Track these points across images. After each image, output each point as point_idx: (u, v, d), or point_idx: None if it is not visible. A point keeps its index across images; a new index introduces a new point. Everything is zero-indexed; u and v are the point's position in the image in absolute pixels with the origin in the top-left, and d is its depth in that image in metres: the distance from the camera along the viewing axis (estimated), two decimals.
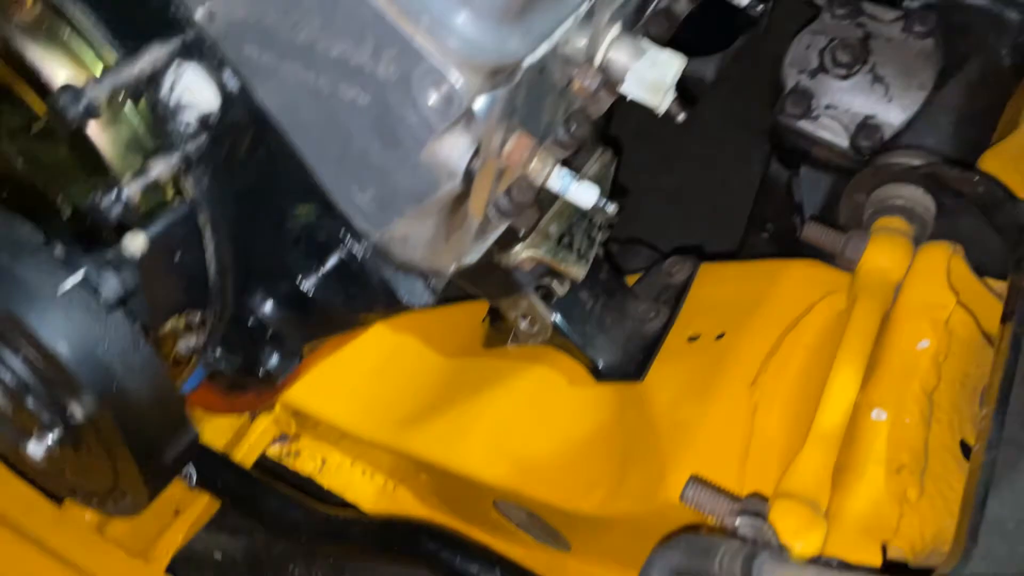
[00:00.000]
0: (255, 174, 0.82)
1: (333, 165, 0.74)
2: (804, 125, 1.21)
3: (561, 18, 0.70)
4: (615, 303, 1.21)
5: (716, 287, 1.18)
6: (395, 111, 0.66)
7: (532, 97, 0.74)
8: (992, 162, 1.14)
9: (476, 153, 0.68)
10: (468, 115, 0.66)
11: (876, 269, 0.93)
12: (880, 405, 0.83)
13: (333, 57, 0.66)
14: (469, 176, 0.70)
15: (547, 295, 1.14)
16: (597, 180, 1.18)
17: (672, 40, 1.25)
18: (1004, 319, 0.84)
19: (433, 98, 0.64)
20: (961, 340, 0.88)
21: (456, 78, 0.63)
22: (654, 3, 1.00)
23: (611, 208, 0.99)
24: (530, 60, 0.68)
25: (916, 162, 1.02)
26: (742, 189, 2.16)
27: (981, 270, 0.98)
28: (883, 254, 0.93)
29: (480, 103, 0.65)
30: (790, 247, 1.28)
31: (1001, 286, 0.94)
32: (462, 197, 0.73)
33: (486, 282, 1.11)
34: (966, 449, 0.85)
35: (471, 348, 1.33)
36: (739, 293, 1.14)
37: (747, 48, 2.41)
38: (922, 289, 0.90)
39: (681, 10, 1.13)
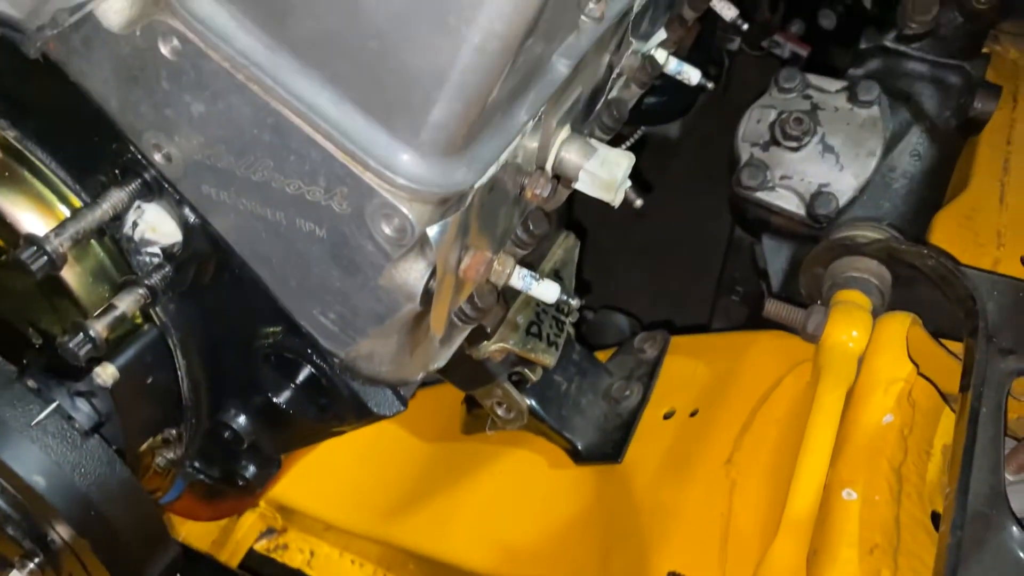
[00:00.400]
0: (221, 297, 0.83)
1: (295, 291, 0.76)
2: (761, 196, 1.24)
3: (506, 141, 0.72)
4: (589, 383, 1.22)
5: (687, 361, 1.20)
6: (351, 242, 0.68)
7: (486, 211, 0.77)
8: (945, 223, 1.17)
9: (432, 274, 0.70)
10: (422, 241, 0.68)
11: (837, 344, 0.95)
12: (850, 484, 0.84)
13: (289, 194, 0.68)
14: (428, 296, 0.71)
15: (520, 381, 1.15)
16: (562, 265, 1.21)
17: (634, 109, 1.29)
18: (962, 388, 0.86)
19: (387, 230, 0.66)
20: (924, 411, 0.90)
21: (407, 211, 0.65)
22: (603, 97, 1.04)
23: (575, 302, 1.01)
24: (480, 183, 0.71)
25: (871, 234, 1.05)
26: (713, 243, 2.20)
27: (941, 332, 1.00)
28: (843, 329, 0.95)
29: (433, 230, 0.67)
30: (761, 309, 1.31)
31: (960, 348, 0.96)
32: (423, 315, 0.74)
33: (458, 374, 1.12)
34: (938, 518, 0.86)
35: (452, 432, 1.34)
36: (710, 367, 1.16)
37: (710, 104, 2.47)
38: (883, 363, 0.92)
39: (630, 97, 1.16)
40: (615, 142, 2.06)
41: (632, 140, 2.09)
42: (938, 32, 1.29)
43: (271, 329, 0.83)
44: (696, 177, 2.55)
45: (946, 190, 1.25)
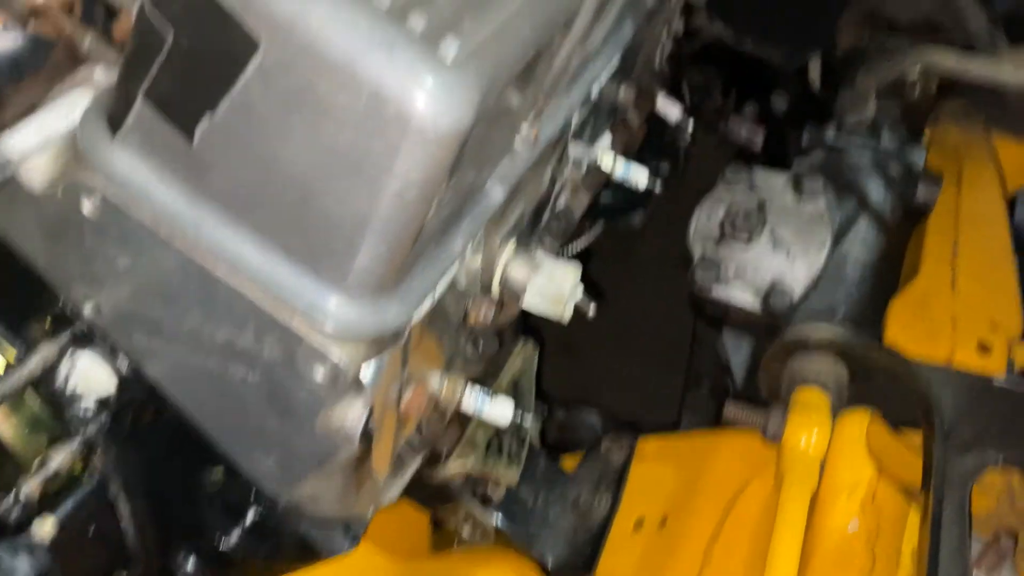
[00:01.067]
0: (161, 442, 0.81)
1: (232, 435, 0.74)
2: (717, 292, 1.24)
3: (441, 272, 0.72)
4: (557, 494, 1.19)
5: (655, 466, 1.17)
6: (285, 387, 0.67)
7: (427, 342, 0.76)
8: (900, 310, 1.17)
9: (371, 415, 0.69)
10: (357, 384, 0.66)
11: (797, 448, 0.93)
12: None
13: (218, 341, 0.67)
14: (367, 437, 0.70)
15: (485, 499, 1.12)
16: (521, 374, 1.19)
17: (594, 205, 1.30)
18: (923, 487, 0.85)
19: (319, 375, 0.65)
20: (889, 515, 0.88)
21: (338, 355, 0.64)
22: (548, 210, 1.05)
23: (528, 423, 0.99)
24: (416, 317, 0.70)
25: (824, 331, 1.04)
26: (681, 332, 2.20)
27: (904, 420, 0.99)
28: (802, 431, 0.94)
29: (367, 371, 0.66)
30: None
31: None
32: (365, 454, 0.72)
33: (420, 495, 1.09)
34: None
35: (422, 548, 1.29)
36: (677, 472, 1.14)
37: (670, 190, 2.51)
38: (844, 466, 0.91)
39: (580, 203, 1.17)
40: (574, 237, 2.07)
41: (591, 235, 2.11)
42: (877, 123, 1.33)
43: (214, 472, 0.81)
44: (661, 263, 2.57)
45: (899, 276, 1.26)
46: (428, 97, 0.52)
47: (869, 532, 0.86)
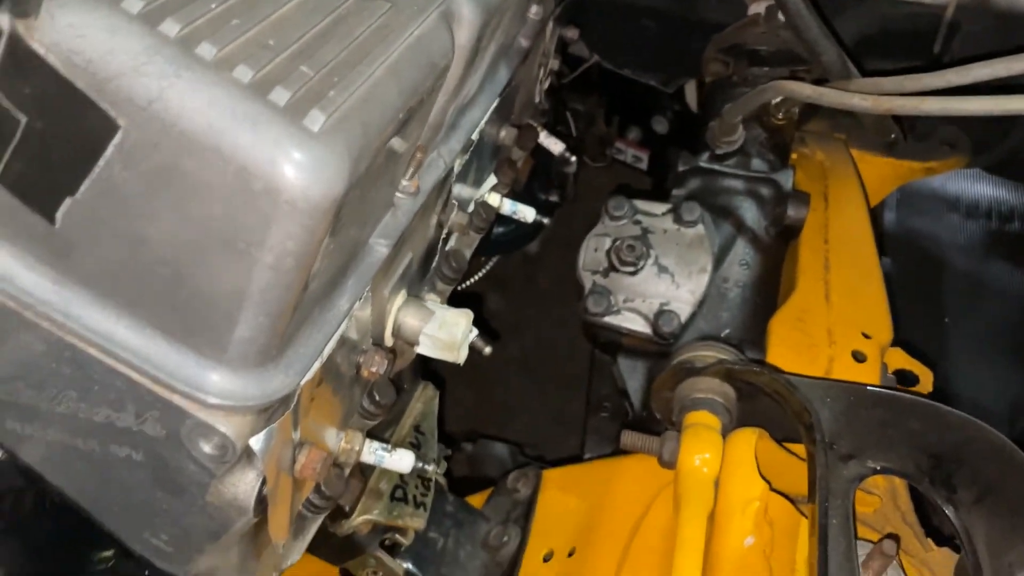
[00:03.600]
0: (46, 528, 0.78)
1: (119, 516, 0.71)
2: (609, 320, 1.28)
3: (328, 334, 0.71)
4: (466, 533, 1.19)
5: (560, 497, 1.19)
6: (171, 464, 0.65)
7: (319, 402, 0.75)
8: (780, 327, 1.23)
9: (264, 483, 0.68)
10: (248, 452, 0.65)
11: (692, 471, 0.97)
12: None
13: (97, 423, 0.65)
14: (262, 505, 0.69)
15: (394, 546, 1.12)
16: (423, 418, 1.19)
17: (484, 240, 1.31)
18: (809, 500, 0.89)
19: (206, 448, 0.63)
20: (782, 528, 0.92)
21: (224, 428, 0.63)
22: (437, 254, 1.05)
23: (431, 468, 0.99)
24: (304, 380, 0.69)
25: (709, 354, 1.09)
26: (583, 355, 2.24)
27: (790, 437, 1.04)
28: (695, 453, 0.97)
29: (257, 441, 0.65)
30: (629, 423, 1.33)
31: None
32: (262, 522, 0.71)
33: (326, 550, 1.08)
34: None
35: None
36: (582, 501, 1.16)
37: (565, 216, 2.56)
38: (736, 484, 0.94)
39: (470, 244, 1.19)
40: (470, 273, 2.08)
41: (486, 269, 2.13)
42: (745, 149, 1.39)
43: (103, 554, 0.78)
44: (562, 284, 2.63)
45: (777, 294, 1.32)
46: (296, 168, 0.53)
47: (764, 546, 0.90)
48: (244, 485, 0.67)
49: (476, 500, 1.30)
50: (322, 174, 0.54)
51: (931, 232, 2.30)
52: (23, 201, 0.57)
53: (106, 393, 0.63)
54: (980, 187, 2.29)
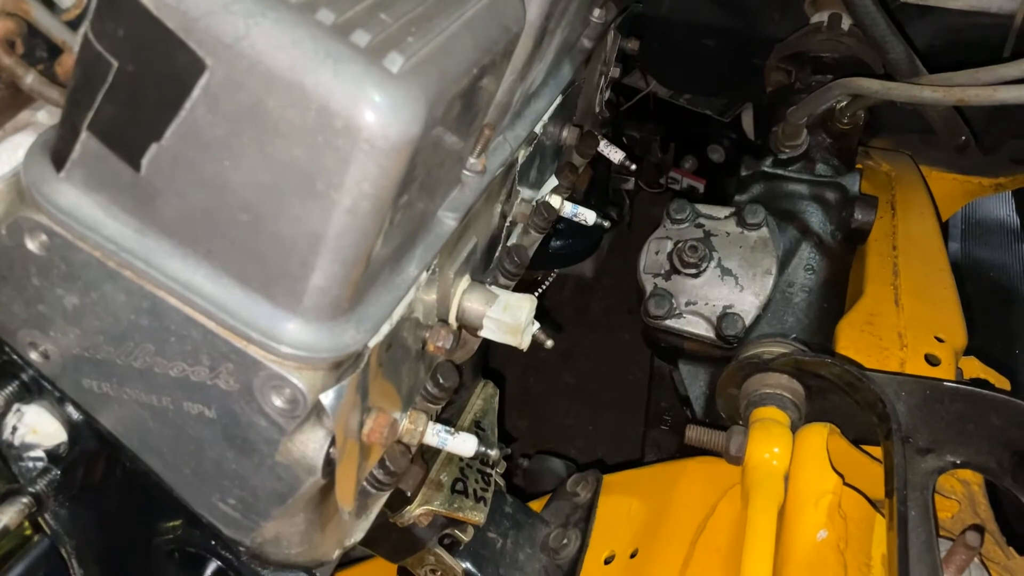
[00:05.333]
0: (115, 496, 0.79)
1: (190, 479, 0.72)
2: (671, 324, 1.26)
3: (398, 297, 0.72)
4: (525, 535, 1.17)
5: (622, 500, 1.17)
6: (243, 419, 0.66)
7: (386, 370, 0.75)
8: (849, 330, 1.20)
9: (332, 443, 0.68)
10: (317, 409, 0.65)
11: (761, 464, 0.94)
12: None
13: (173, 377, 0.66)
14: (330, 466, 0.68)
15: (453, 544, 1.10)
16: (483, 415, 1.18)
17: (544, 252, 1.30)
18: (887, 493, 0.86)
19: (278, 402, 0.64)
20: (856, 522, 0.89)
21: (297, 380, 0.63)
22: (500, 245, 1.06)
23: (494, 453, 0.98)
24: (374, 342, 0.69)
25: (777, 349, 1.06)
26: (639, 375, 2.21)
27: (861, 439, 1.01)
28: (764, 448, 0.95)
29: (327, 396, 0.65)
30: None
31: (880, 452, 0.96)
32: (328, 487, 0.71)
33: (384, 544, 1.07)
34: None
35: None
36: (644, 503, 1.13)
37: (618, 243, 2.56)
38: (808, 477, 0.91)
39: (531, 243, 1.19)
40: (532, 287, 2.10)
41: (546, 283, 2.13)
42: (810, 154, 1.38)
43: (170, 523, 0.78)
44: (615, 312, 2.61)
45: (844, 299, 1.29)
46: (376, 108, 0.53)
47: (839, 540, 0.86)
48: (313, 443, 0.67)
49: (535, 506, 1.28)
50: (400, 114, 0.54)
51: (999, 261, 2.23)
52: (111, 148, 0.59)
53: (182, 345, 0.64)
54: None
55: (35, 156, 0.63)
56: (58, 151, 0.62)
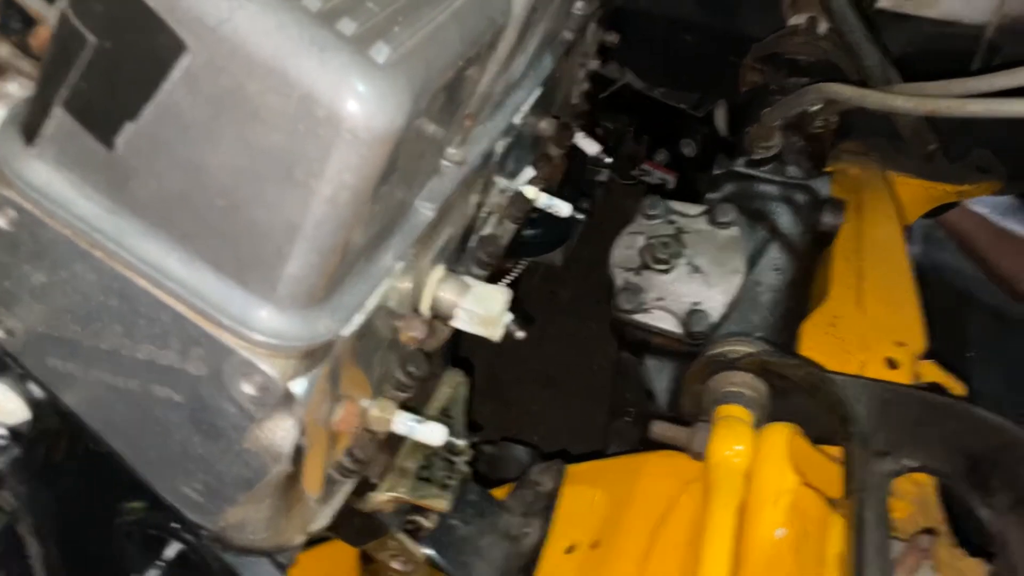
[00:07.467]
0: (77, 475, 0.78)
1: (154, 461, 0.71)
2: (639, 318, 1.27)
3: (372, 287, 0.71)
4: (488, 523, 1.18)
5: (584, 490, 1.18)
6: (211, 404, 0.65)
7: (358, 359, 0.75)
8: (812, 331, 1.22)
9: (302, 431, 0.67)
10: (287, 398, 0.65)
11: (723, 461, 0.95)
12: None
13: (140, 360, 0.65)
14: (298, 455, 0.68)
15: (416, 530, 1.10)
16: (451, 404, 1.19)
17: (516, 240, 1.31)
18: (846, 494, 0.88)
19: (247, 389, 0.63)
20: (814, 521, 0.91)
21: (268, 368, 0.62)
22: (474, 235, 1.06)
23: (461, 443, 0.98)
24: (347, 331, 0.69)
25: (742, 348, 1.07)
26: (605, 366, 2.23)
27: (822, 439, 1.03)
28: (726, 445, 0.96)
29: (298, 385, 0.65)
30: None
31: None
32: (295, 475, 0.71)
33: (347, 529, 1.07)
34: None
35: None
36: (606, 494, 1.14)
37: (589, 233, 2.57)
38: (769, 476, 0.93)
39: (505, 233, 1.19)
40: (500, 275, 2.10)
41: (515, 273, 2.13)
42: (783, 155, 1.39)
43: (133, 505, 0.78)
44: (584, 301, 2.63)
45: (808, 300, 1.31)
46: (360, 98, 0.53)
47: (795, 538, 0.88)
48: (281, 431, 0.66)
49: (498, 493, 1.28)
50: (384, 105, 0.54)
51: (956, 266, 2.28)
52: (85, 126, 0.58)
53: (152, 327, 0.63)
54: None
55: (6, 130, 0.61)
56: (30, 126, 0.60)
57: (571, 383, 2.36)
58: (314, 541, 1.34)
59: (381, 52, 0.54)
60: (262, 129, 0.54)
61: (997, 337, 2.14)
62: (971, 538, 1.04)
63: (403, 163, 0.65)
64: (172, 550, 0.79)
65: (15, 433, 0.73)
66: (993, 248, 1.97)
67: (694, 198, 1.46)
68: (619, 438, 1.55)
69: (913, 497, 1.05)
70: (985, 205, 1.94)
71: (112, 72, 0.56)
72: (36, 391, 0.71)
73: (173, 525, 0.77)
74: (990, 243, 1.96)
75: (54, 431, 0.73)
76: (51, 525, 0.80)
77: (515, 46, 0.84)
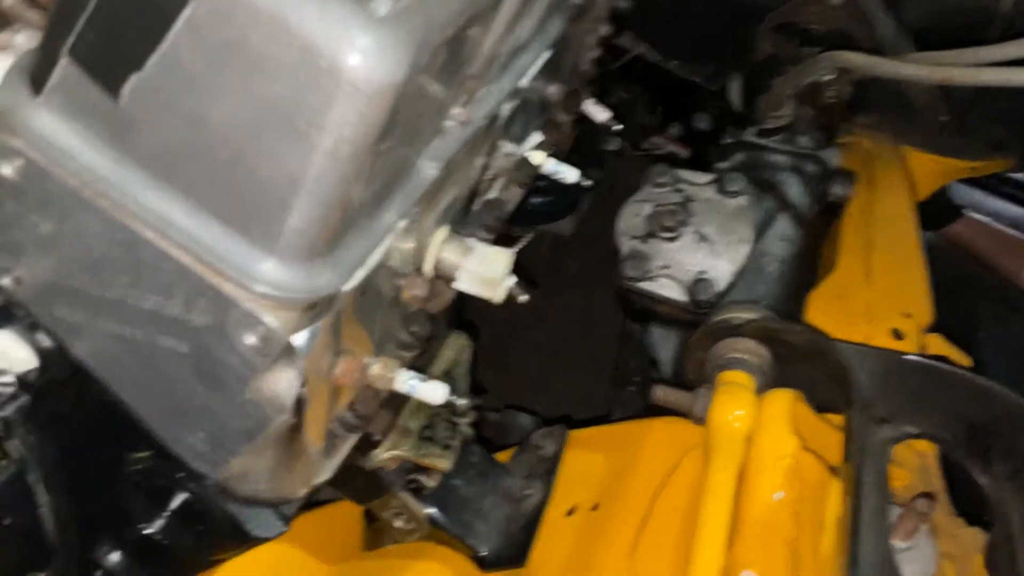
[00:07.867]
0: (84, 425, 0.79)
1: (159, 411, 0.72)
2: (645, 286, 1.28)
3: (374, 243, 0.72)
4: (490, 485, 1.19)
5: (586, 455, 1.19)
6: (214, 355, 0.66)
7: (360, 315, 0.76)
8: (818, 301, 1.22)
9: (304, 383, 0.68)
10: (289, 349, 0.66)
11: (724, 425, 0.96)
12: (748, 565, 0.84)
13: (146, 310, 0.66)
14: (300, 406, 0.69)
15: (418, 489, 1.12)
16: (452, 366, 1.20)
17: (523, 208, 1.31)
18: (845, 459, 0.88)
19: (250, 340, 0.64)
20: (812, 485, 0.91)
21: (270, 319, 0.63)
22: (479, 198, 1.06)
23: (462, 402, 0.99)
24: (349, 286, 0.70)
25: (746, 315, 1.08)
26: (610, 336, 2.23)
27: (824, 407, 1.03)
28: (728, 409, 0.97)
29: (300, 337, 0.65)
30: None
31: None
32: (297, 427, 0.72)
33: (350, 486, 1.08)
34: None
35: (354, 550, 1.28)
36: (608, 459, 1.15)
37: (598, 204, 2.56)
38: (769, 439, 0.94)
39: (512, 198, 1.19)
40: (509, 243, 2.10)
41: (524, 241, 2.13)
42: (794, 126, 1.39)
43: (139, 455, 0.79)
44: (590, 272, 2.63)
45: (816, 271, 1.31)
46: (361, 51, 0.53)
47: (794, 501, 0.89)
48: (284, 382, 0.67)
49: (501, 457, 1.30)
50: (384, 59, 0.54)
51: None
52: (91, 76, 0.59)
53: (157, 278, 0.64)
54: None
55: (12, 79, 0.62)
56: (37, 76, 0.61)
57: (575, 353, 2.37)
58: (320, 502, 1.36)
59: (382, 5, 0.54)
60: (264, 80, 0.55)
61: (1006, 321, 2.13)
62: (969, 509, 1.04)
63: (405, 119, 0.65)
64: (178, 500, 0.81)
65: (24, 382, 0.74)
66: (1004, 256, 1.94)
67: (707, 171, 1.45)
68: (622, 406, 1.56)
69: (914, 465, 1.06)
70: (988, 213, 1.91)
71: (118, 21, 0.56)
72: (44, 340, 0.72)
73: (179, 475, 0.78)
74: (1001, 253, 1.93)
75: (62, 381, 0.75)
76: (59, 474, 0.81)
77: (520, 6, 0.84)
